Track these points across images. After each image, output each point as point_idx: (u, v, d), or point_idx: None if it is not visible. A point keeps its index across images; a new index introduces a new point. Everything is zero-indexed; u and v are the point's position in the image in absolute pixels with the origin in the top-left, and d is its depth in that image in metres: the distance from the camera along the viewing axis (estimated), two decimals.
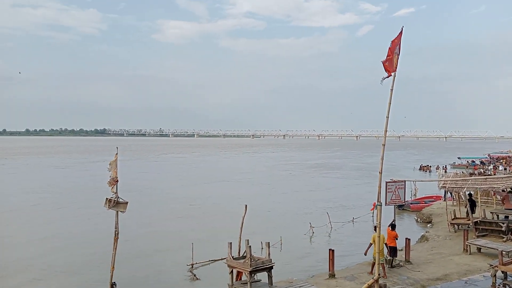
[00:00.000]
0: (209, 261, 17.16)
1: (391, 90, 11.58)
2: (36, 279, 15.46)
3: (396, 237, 14.38)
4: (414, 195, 33.67)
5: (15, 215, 27.36)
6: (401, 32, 11.65)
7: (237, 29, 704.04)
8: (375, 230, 13.75)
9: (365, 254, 14.08)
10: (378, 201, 11.75)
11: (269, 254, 12.24)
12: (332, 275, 13.54)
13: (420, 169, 67.47)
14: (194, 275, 15.73)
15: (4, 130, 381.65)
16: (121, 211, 10.62)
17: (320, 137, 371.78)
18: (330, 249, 13.89)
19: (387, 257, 13.97)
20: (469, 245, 16.06)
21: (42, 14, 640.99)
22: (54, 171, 60.32)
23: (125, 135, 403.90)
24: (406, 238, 15.47)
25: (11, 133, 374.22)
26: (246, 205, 13.09)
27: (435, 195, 33.28)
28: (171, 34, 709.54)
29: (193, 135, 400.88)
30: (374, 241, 13.45)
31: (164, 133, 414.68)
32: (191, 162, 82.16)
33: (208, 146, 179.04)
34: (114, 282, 10.77)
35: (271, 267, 12.04)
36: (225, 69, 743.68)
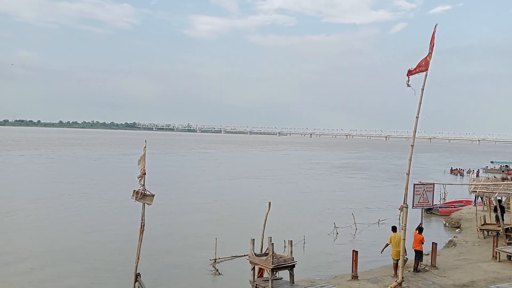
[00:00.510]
0: (232, 256, 17.29)
1: (422, 89, 11.34)
2: (61, 269, 15.96)
3: (422, 241, 14.10)
4: (443, 198, 32.83)
5: (46, 204, 28.30)
6: (434, 30, 11.41)
7: (267, 25, 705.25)
8: (393, 230, 13.69)
9: (381, 252, 14.08)
10: (404, 203, 11.56)
11: (291, 252, 12.23)
12: (355, 277, 13.42)
13: (451, 172, 65.74)
14: (217, 270, 15.89)
15: (39, 121, 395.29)
16: (147, 203, 10.82)
17: (348, 136, 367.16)
18: (353, 250, 13.79)
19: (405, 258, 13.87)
20: (499, 252, 15.57)
21: (78, 8, 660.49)
22: (87, 162, 62.07)
23: (154, 129, 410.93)
24: (432, 243, 15.14)
25: (45, 125, 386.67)
26: (269, 202, 13.11)
27: (465, 199, 32.43)
28: (202, 29, 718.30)
29: (220, 131, 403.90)
30: (391, 241, 13.36)
31: (191, 129, 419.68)
32: (217, 157, 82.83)
33: (234, 142, 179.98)
34: (139, 273, 10.99)
35: (293, 266, 12.03)
36: (254, 65, 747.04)
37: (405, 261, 13.89)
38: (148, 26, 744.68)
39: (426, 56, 11.37)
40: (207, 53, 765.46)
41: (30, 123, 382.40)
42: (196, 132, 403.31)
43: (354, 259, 13.55)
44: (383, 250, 13.99)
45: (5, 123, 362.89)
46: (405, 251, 13.55)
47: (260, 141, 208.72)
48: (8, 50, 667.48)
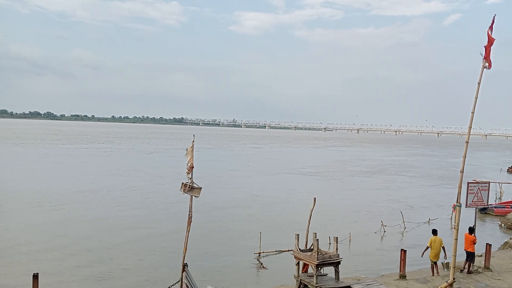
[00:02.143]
0: (276, 251, 17.38)
1: (479, 83, 10.84)
2: (109, 258, 16.73)
3: (474, 242, 13.54)
4: (499, 198, 31.16)
5: (98, 196, 29.72)
6: (493, 22, 10.84)
7: (314, 19, 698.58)
8: (433, 233, 13.51)
9: (422, 256, 14.10)
10: (457, 202, 11.13)
11: (336, 249, 12.08)
12: (402, 276, 13.11)
13: (508, 171, 62.10)
14: (261, 264, 16.05)
15: (93, 116, 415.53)
16: (195, 196, 11.08)
17: (397, 132, 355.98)
18: (402, 249, 13.47)
19: (444, 260, 13.94)
20: None
21: (129, 7, 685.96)
22: (140, 156, 64.57)
23: (200, 124, 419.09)
24: (486, 244, 14.49)
25: (99, 119, 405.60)
26: (315, 198, 13.02)
27: None
28: (248, 25, 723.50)
29: (264, 126, 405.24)
30: (431, 244, 13.53)
31: (237, 124, 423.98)
32: (264, 153, 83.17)
33: (279, 137, 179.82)
34: (186, 263, 11.31)
35: (339, 262, 11.88)
36: (299, 60, 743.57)
37: (443, 264, 13.77)
38: (195, 23, 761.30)
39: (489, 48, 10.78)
40: (253, 49, 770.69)
41: (85, 118, 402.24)
42: (241, 127, 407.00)
43: (402, 258, 13.23)
44: (423, 253, 13.97)
45: (61, 117, 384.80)
46: (445, 254, 13.23)
47: (305, 137, 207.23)
48: (65, 49, 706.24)
